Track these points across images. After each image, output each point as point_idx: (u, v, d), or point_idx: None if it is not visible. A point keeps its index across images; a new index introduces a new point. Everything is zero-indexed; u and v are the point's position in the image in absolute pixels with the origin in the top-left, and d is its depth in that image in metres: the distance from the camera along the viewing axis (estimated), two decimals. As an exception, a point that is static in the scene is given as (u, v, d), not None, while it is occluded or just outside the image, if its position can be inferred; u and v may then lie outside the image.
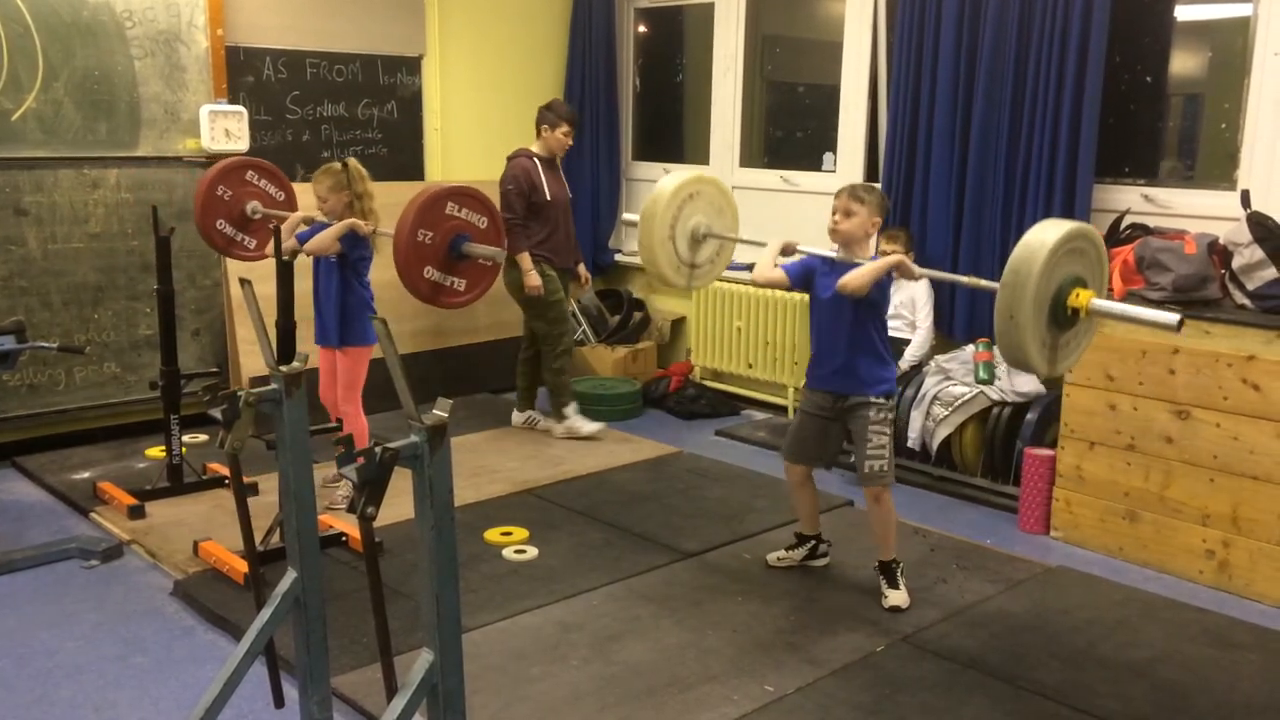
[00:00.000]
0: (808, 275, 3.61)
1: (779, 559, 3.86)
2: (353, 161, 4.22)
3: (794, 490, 3.83)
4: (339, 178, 4.17)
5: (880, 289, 3.47)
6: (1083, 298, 2.81)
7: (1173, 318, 2.78)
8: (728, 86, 6.26)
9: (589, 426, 5.43)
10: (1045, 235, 2.77)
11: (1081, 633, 3.46)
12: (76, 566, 3.88)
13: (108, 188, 5.13)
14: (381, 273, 4.30)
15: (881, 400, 3.55)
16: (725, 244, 3.91)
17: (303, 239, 4.18)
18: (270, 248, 4.18)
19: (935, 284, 5.05)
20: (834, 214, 3.51)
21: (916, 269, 3.44)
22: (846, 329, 3.51)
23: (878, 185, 3.47)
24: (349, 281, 4.25)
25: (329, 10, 5.73)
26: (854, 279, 3.36)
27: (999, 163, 4.80)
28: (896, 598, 3.58)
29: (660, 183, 3.76)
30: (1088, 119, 4.46)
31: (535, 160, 5.27)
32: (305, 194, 4.73)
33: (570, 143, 5.38)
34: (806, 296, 3.70)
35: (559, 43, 6.69)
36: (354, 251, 4.19)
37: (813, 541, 3.85)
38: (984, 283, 3.15)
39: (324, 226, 4.17)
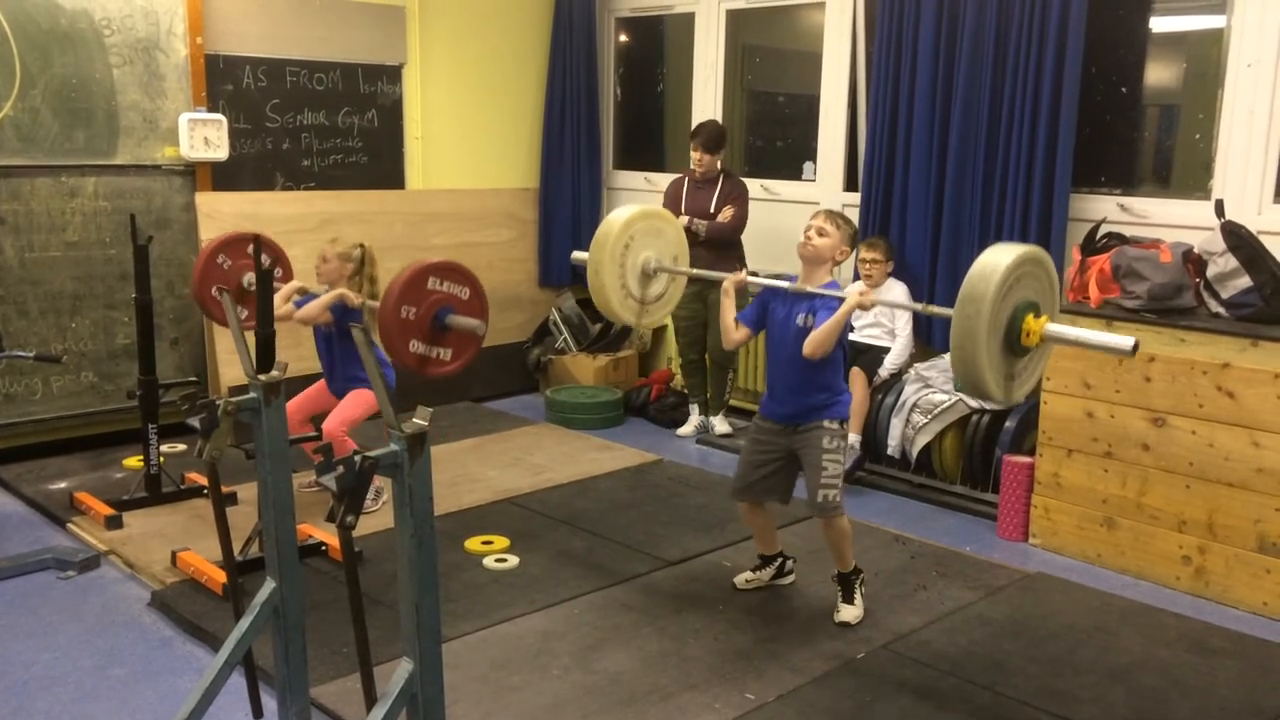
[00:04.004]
0: (763, 313, 3.56)
1: (747, 581, 3.81)
2: (368, 245, 4.39)
3: (745, 517, 3.78)
4: (351, 252, 4.32)
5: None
6: (1036, 325, 2.76)
7: (1127, 342, 2.72)
8: (708, 96, 6.29)
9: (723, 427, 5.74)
10: (996, 261, 2.70)
11: (1060, 639, 3.48)
12: (53, 577, 3.85)
13: (85, 196, 5.11)
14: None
15: (836, 425, 3.48)
16: (676, 278, 3.88)
17: (299, 305, 4.31)
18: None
19: (914, 293, 5.07)
20: (807, 231, 3.47)
21: (869, 300, 3.33)
22: (801, 364, 3.42)
23: (854, 220, 3.47)
24: (352, 347, 4.30)
25: (309, 19, 5.72)
26: (820, 346, 3.29)
27: (977, 171, 4.84)
28: (848, 613, 3.55)
29: (606, 220, 3.74)
30: (1065, 129, 4.50)
31: (684, 180, 5.50)
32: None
33: (698, 155, 5.44)
34: None
35: (540, 51, 6.70)
36: (344, 321, 4.28)
37: (778, 560, 3.81)
38: (940, 310, 3.12)
39: (315, 297, 4.29)
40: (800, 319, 3.41)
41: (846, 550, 3.59)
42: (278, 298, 4.22)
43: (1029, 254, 2.79)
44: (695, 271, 3.91)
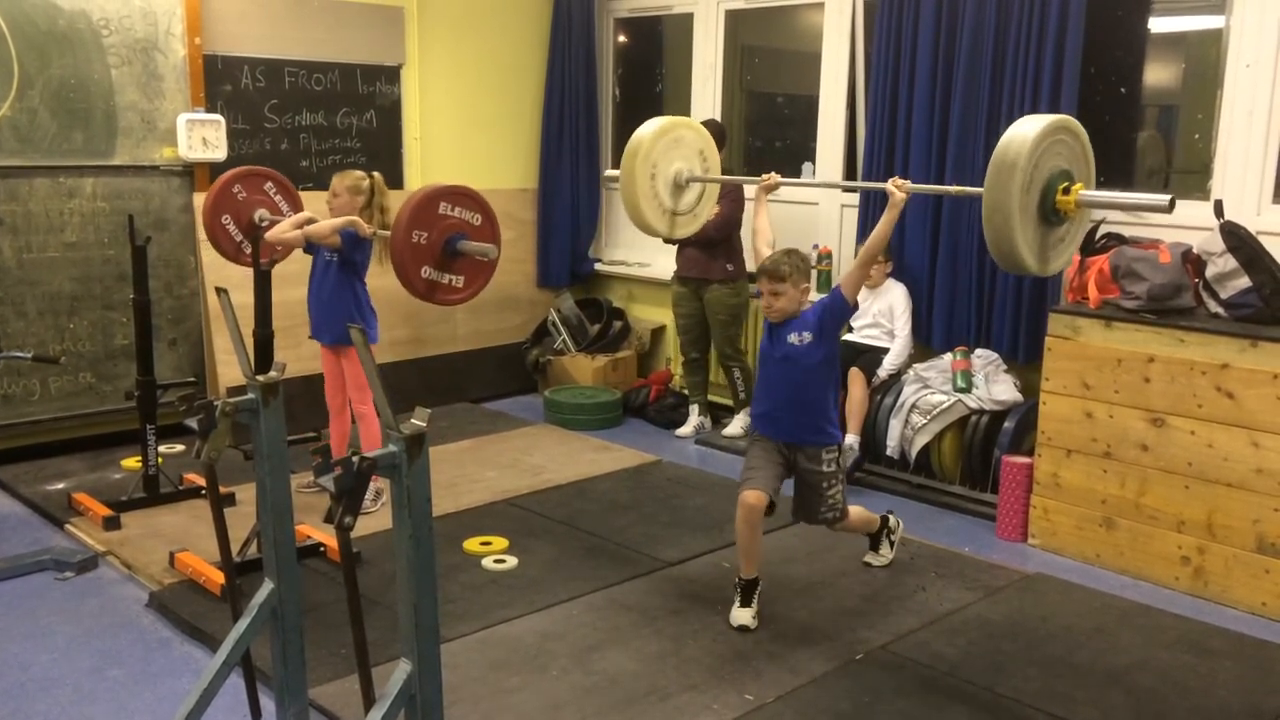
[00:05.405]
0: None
1: (754, 617, 3.50)
2: (378, 175, 4.32)
3: (750, 527, 3.45)
4: (361, 183, 4.25)
5: (833, 337, 3.46)
6: (1070, 193, 2.74)
7: (1163, 199, 2.74)
8: (707, 96, 6.28)
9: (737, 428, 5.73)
10: (1026, 131, 2.69)
11: (1059, 640, 3.48)
12: (51, 579, 3.84)
13: (84, 197, 5.10)
14: (372, 279, 4.33)
15: (834, 451, 3.50)
16: (707, 191, 3.91)
17: None
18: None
19: (913, 294, 5.07)
20: (763, 298, 3.45)
21: (906, 187, 3.31)
22: (795, 387, 3.44)
23: (794, 249, 3.50)
24: (348, 281, 4.29)
25: (307, 19, 5.72)
26: (873, 247, 3.41)
27: (976, 171, 4.82)
28: (874, 559, 3.97)
29: (628, 149, 3.76)
30: (1063, 129, 4.50)
31: None
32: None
33: None
34: None
35: (539, 52, 6.69)
36: (353, 252, 4.23)
37: (759, 583, 3.57)
38: (971, 190, 3.12)
39: None
40: (794, 338, 3.43)
41: (864, 525, 3.81)
42: (287, 223, 4.20)
43: (1059, 122, 2.79)
44: (728, 179, 3.94)
